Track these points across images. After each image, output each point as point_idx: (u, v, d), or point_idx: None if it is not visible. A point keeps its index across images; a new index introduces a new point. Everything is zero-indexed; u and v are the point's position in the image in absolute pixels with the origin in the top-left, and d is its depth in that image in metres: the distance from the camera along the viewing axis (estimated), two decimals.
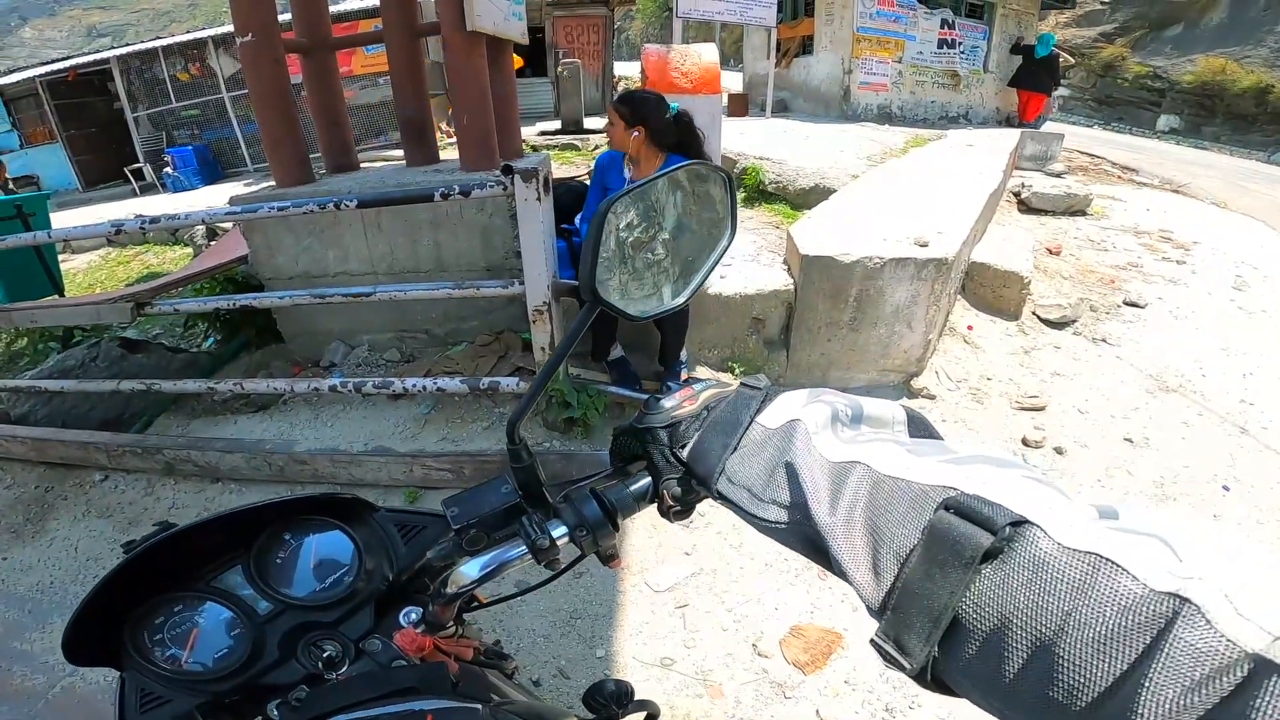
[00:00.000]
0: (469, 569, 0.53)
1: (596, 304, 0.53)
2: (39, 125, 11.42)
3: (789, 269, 2.99)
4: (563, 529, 0.52)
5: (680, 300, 0.62)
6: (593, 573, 2.15)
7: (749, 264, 3.14)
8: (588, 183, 2.85)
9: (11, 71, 12.72)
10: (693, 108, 2.78)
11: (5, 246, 2.79)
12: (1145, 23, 20.57)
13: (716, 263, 0.64)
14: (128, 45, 11.58)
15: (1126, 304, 4.09)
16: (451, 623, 0.57)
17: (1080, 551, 0.26)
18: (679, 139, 2.43)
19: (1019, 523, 0.28)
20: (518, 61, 4.13)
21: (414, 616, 0.56)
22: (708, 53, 2.96)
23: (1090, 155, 9.52)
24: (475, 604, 0.63)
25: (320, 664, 0.53)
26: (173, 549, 0.52)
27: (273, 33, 3.06)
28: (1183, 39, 19.78)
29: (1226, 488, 2.63)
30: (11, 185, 6.73)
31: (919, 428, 0.44)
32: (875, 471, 0.36)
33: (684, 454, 0.48)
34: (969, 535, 0.29)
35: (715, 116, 2.92)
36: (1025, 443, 2.83)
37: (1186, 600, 0.23)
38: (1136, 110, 19.98)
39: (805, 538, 0.39)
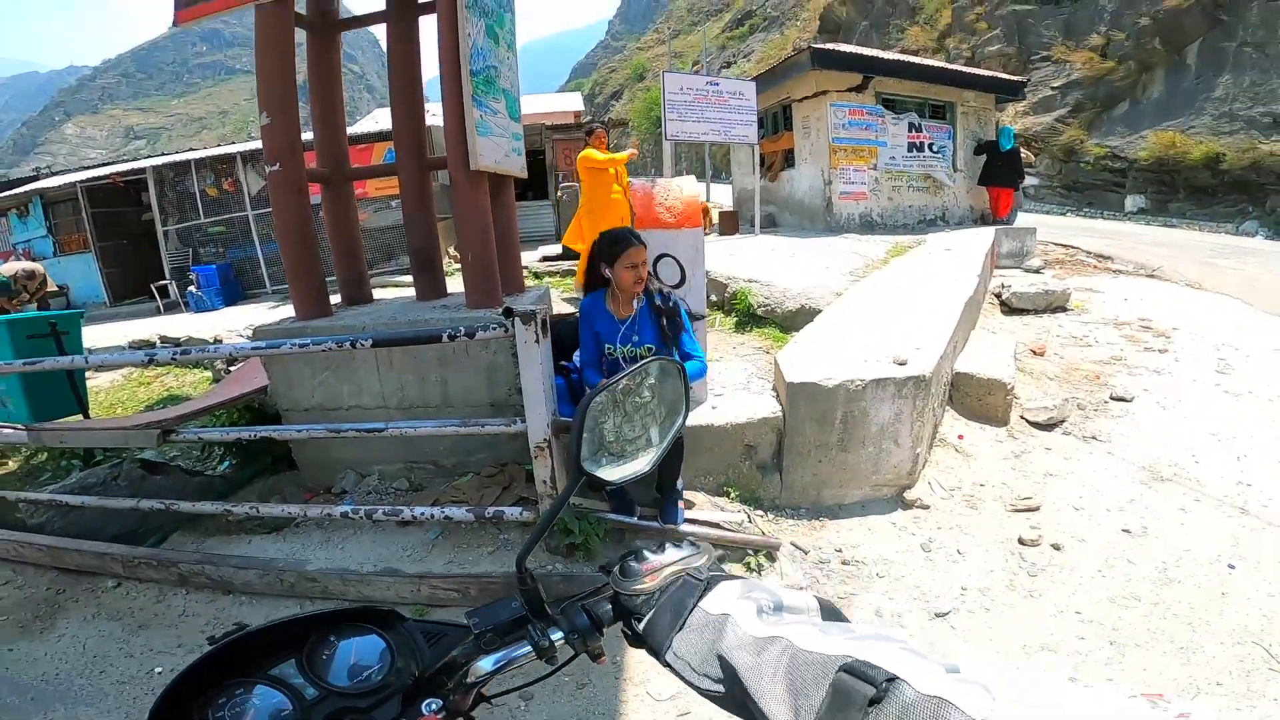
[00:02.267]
0: (485, 662, 0.67)
1: (581, 474, 0.74)
2: (74, 233, 11.47)
3: (777, 395, 3.13)
4: (560, 634, 0.69)
5: (647, 467, 0.85)
6: (595, 684, 2.21)
7: (740, 392, 3.30)
8: None
9: (55, 174, 13.01)
10: (677, 241, 3.05)
11: (42, 369, 2.91)
12: (1094, 103, 21.85)
13: (678, 433, 0.87)
14: (163, 155, 12.00)
15: (1114, 399, 4.14)
16: (467, 714, 0.69)
17: (931, 696, 0.38)
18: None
19: (892, 679, 0.40)
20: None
21: (435, 706, 0.66)
22: (689, 186, 3.17)
23: (1065, 246, 9.90)
24: (489, 698, 0.74)
25: None
26: (242, 644, 0.64)
27: (299, 162, 3.42)
28: (1130, 116, 20.88)
29: (1232, 566, 2.65)
30: (49, 300, 6.95)
31: (829, 613, 0.57)
32: (794, 645, 0.48)
33: (639, 627, 0.64)
34: (859, 689, 0.41)
35: (698, 249, 3.11)
36: (1022, 542, 2.85)
37: None
38: (1103, 193, 20.79)
39: (737, 701, 0.51)
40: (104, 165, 12.74)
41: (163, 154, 12.55)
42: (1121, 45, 21.41)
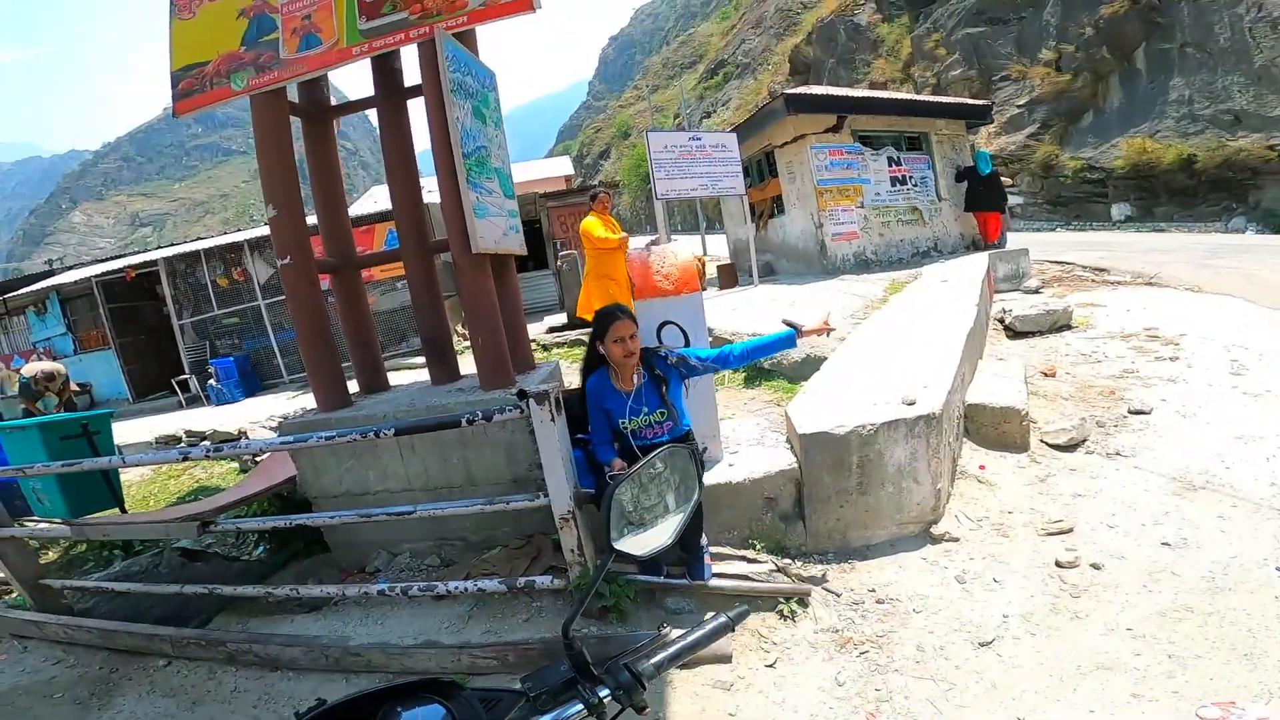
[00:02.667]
0: None
1: (612, 553, 0.91)
2: (92, 329, 11.54)
3: (791, 447, 3.17)
4: (606, 691, 0.78)
5: (668, 540, 1.00)
6: None
7: (754, 448, 3.34)
8: None
9: (69, 268, 13.21)
10: (677, 307, 3.15)
11: (81, 470, 3.06)
12: (1059, 117, 22.33)
13: (694, 510, 1.03)
14: (172, 245, 12.12)
15: (1132, 413, 4.10)
16: None
17: None
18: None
19: None
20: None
21: None
22: (683, 252, 3.29)
23: (1060, 263, 9.93)
24: None
25: None
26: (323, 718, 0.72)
27: (308, 254, 3.53)
28: (1097, 126, 21.28)
29: None
30: (74, 399, 7.10)
31: None
32: None
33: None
34: None
35: (698, 312, 3.21)
36: (1059, 564, 2.80)
37: None
38: (1088, 205, 21.01)
39: None
40: (115, 258, 12.72)
41: (171, 243, 12.75)
42: (1073, 57, 22.07)
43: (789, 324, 2.71)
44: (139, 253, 12.96)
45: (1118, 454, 3.70)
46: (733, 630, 0.93)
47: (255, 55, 3.35)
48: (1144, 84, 20.15)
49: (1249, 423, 3.81)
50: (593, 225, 5.65)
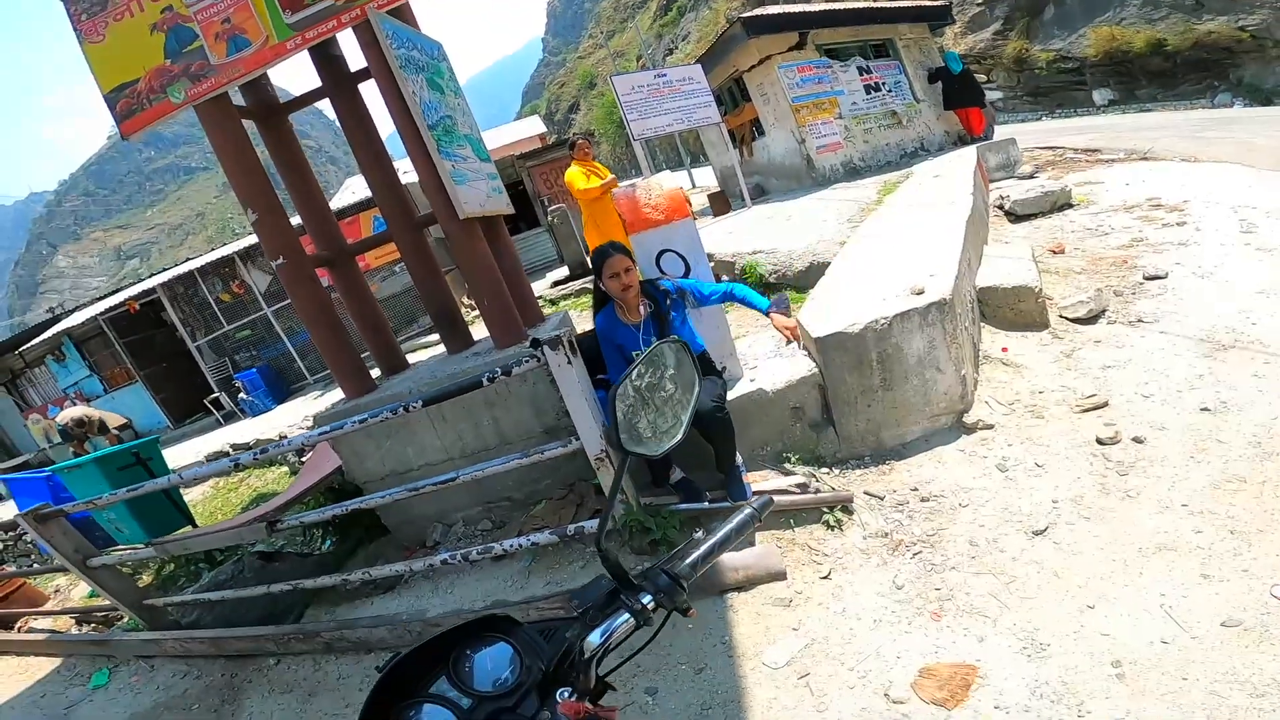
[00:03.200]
0: (593, 637, 0.78)
1: (625, 453, 0.90)
2: (114, 366, 11.72)
3: (809, 353, 3.16)
4: (649, 597, 0.80)
5: (680, 435, 1.01)
6: (711, 665, 2.26)
7: (772, 360, 3.35)
8: None
9: (74, 311, 13.21)
10: (672, 234, 3.13)
11: (142, 493, 3.19)
12: (1021, 11, 21.53)
13: (695, 402, 1.04)
14: (165, 270, 12.05)
15: (1148, 278, 4.05)
16: (594, 687, 0.80)
17: None
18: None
19: None
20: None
21: (568, 694, 0.75)
22: (668, 181, 3.26)
23: (1051, 149, 9.77)
24: (604, 678, 0.83)
25: None
26: (401, 669, 0.76)
27: (300, 250, 3.53)
28: (1061, 17, 20.45)
29: None
30: (120, 439, 7.19)
31: None
32: None
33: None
34: None
35: (694, 236, 3.19)
36: (1100, 442, 2.73)
37: None
38: (1069, 93, 20.42)
39: None
40: (113, 293, 12.69)
41: (163, 269, 12.62)
42: None
43: (773, 303, 2.87)
44: (133, 284, 12.82)
45: (1140, 320, 3.65)
46: (759, 520, 0.94)
47: (185, 66, 3.26)
48: None
49: (1268, 277, 3.74)
50: (575, 176, 5.53)
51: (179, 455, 7.58)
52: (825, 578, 2.50)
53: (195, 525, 4.56)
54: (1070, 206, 5.91)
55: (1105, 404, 3.00)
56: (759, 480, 2.93)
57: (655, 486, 2.98)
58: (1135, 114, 16.38)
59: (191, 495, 6.08)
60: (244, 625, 3.30)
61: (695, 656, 2.31)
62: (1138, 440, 2.72)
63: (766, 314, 2.82)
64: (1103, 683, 1.80)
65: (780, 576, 2.53)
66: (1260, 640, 1.77)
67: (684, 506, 2.83)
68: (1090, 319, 3.76)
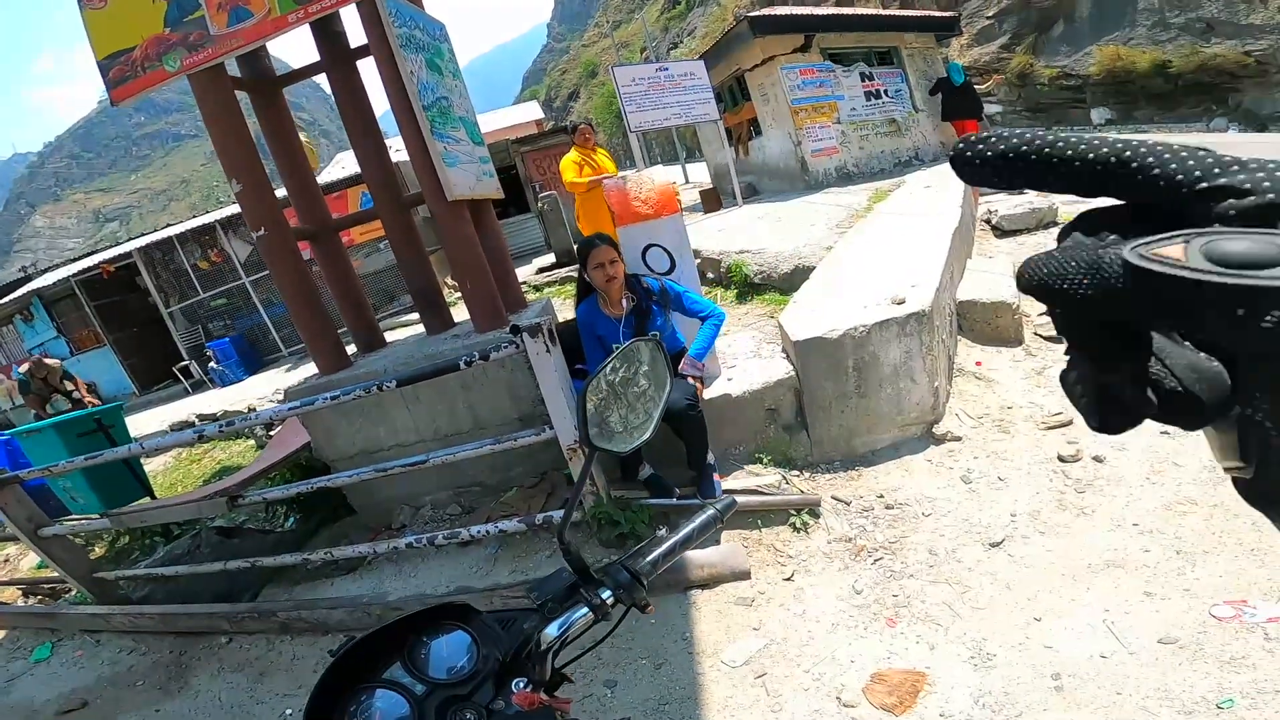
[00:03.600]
0: (551, 629, 0.78)
1: (593, 450, 0.86)
2: (83, 328, 11.43)
3: (788, 356, 3.19)
4: (608, 592, 0.79)
5: (648, 435, 0.97)
6: (671, 661, 2.29)
7: (751, 360, 3.37)
8: None
9: (46, 271, 12.84)
10: (659, 230, 3.13)
11: (101, 462, 3.11)
12: (1030, 27, 21.70)
13: (666, 401, 1.00)
14: (144, 235, 11.77)
15: None
16: (550, 679, 0.80)
17: None
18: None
19: None
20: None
21: (523, 684, 0.76)
22: (659, 176, 3.27)
23: None
24: (562, 669, 0.84)
25: None
26: (356, 653, 0.76)
27: (282, 223, 3.50)
28: (1069, 35, 20.63)
29: None
30: (88, 397, 7.01)
31: None
32: None
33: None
34: None
35: (681, 233, 3.20)
36: (1062, 459, 2.82)
37: None
38: (1067, 110, 20.58)
39: None
40: (89, 255, 12.33)
41: (142, 234, 12.23)
42: None
43: (695, 356, 2.82)
44: (110, 247, 12.50)
45: None
46: (722, 521, 0.94)
47: (184, 35, 3.20)
48: None
49: None
50: (566, 167, 5.47)
51: (143, 423, 7.38)
52: (788, 579, 2.55)
53: (154, 497, 4.47)
54: (1055, 225, 5.99)
55: (1069, 422, 3.07)
56: (730, 479, 2.97)
57: (623, 480, 3.00)
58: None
59: (152, 466, 5.95)
60: (198, 602, 3.25)
61: (656, 651, 2.34)
62: (1098, 459, 2.80)
63: (680, 358, 2.81)
64: (1042, 694, 1.85)
65: (744, 576, 2.57)
66: (1194, 658, 1.84)
67: (655, 502, 2.85)
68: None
